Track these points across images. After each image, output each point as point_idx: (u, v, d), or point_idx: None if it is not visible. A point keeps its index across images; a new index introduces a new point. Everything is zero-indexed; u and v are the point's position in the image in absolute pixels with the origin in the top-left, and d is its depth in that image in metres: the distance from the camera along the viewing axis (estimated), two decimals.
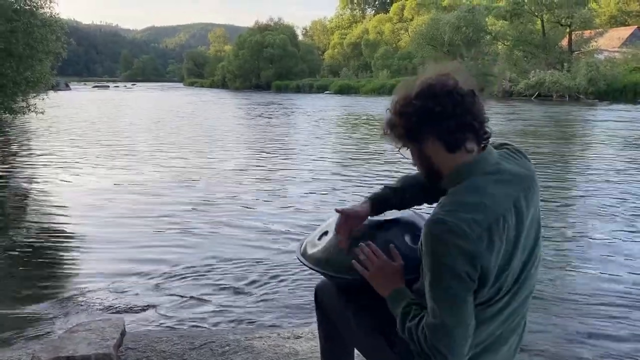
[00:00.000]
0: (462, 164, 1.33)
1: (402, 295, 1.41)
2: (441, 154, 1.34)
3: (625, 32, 45.15)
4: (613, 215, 5.99)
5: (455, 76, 1.34)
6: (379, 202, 1.65)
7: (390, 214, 1.68)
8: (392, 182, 1.68)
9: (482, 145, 1.35)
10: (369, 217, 1.67)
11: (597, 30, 38.98)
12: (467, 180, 1.31)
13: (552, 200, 6.74)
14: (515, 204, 1.30)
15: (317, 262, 1.66)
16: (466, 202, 1.27)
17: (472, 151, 1.33)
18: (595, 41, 37.79)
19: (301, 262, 1.71)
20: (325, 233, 1.72)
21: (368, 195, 1.68)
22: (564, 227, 5.60)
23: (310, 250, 1.72)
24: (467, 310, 1.25)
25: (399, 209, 1.66)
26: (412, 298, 1.38)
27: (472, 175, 1.31)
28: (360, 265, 1.50)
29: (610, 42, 41.30)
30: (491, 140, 1.40)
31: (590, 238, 5.18)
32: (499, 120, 19.09)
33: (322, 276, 1.73)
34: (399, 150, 1.41)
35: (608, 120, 18.77)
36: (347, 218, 1.63)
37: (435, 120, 1.30)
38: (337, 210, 1.65)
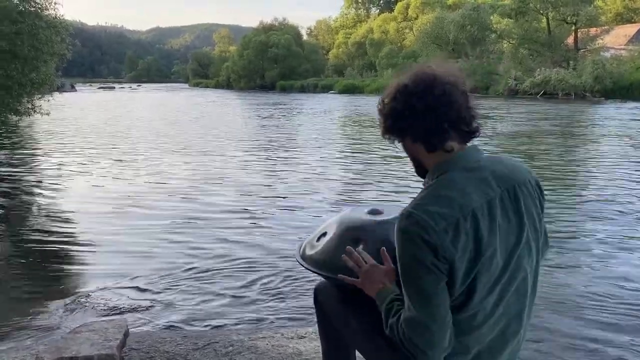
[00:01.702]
0: (442, 161, 1.33)
1: (388, 292, 1.41)
2: (421, 152, 1.36)
3: (631, 29, 44.85)
4: (621, 216, 5.96)
5: (435, 72, 1.32)
6: None
7: (390, 213, 1.67)
8: None
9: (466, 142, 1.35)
10: (368, 215, 1.67)
11: (603, 27, 38.76)
12: (443, 175, 1.31)
13: (559, 200, 6.70)
14: (490, 203, 1.28)
15: (316, 263, 1.66)
16: (436, 195, 1.27)
17: (452, 150, 1.32)
18: (602, 39, 37.58)
19: (300, 263, 1.70)
20: (324, 234, 1.72)
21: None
22: (569, 228, 5.56)
23: (308, 252, 1.71)
24: (440, 302, 1.24)
25: None
26: (398, 294, 1.36)
27: (449, 171, 1.31)
28: (348, 276, 1.50)
29: (617, 39, 41.06)
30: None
31: (596, 239, 5.15)
32: (507, 119, 19.02)
33: (321, 277, 1.72)
34: (393, 142, 1.42)
35: (617, 119, 18.66)
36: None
37: (407, 122, 1.32)
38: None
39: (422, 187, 1.38)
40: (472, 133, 1.35)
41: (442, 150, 1.32)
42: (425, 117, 1.29)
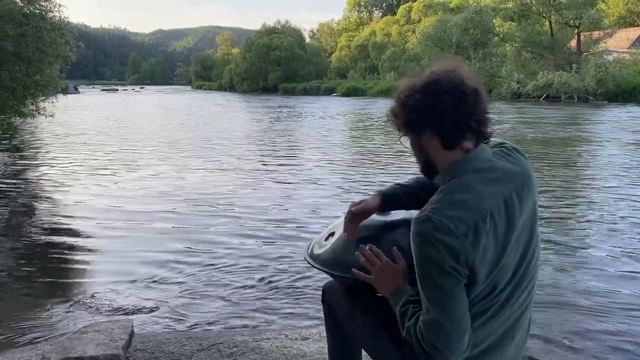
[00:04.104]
0: (455, 162, 1.34)
1: (402, 292, 1.42)
2: (438, 150, 1.35)
3: (634, 32, 44.81)
4: (621, 217, 5.96)
5: (462, 73, 1.34)
6: (389, 197, 1.66)
7: (397, 214, 1.68)
8: (404, 180, 1.69)
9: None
10: (376, 216, 1.68)
11: (606, 31, 38.71)
12: (457, 177, 1.32)
13: (560, 202, 6.70)
14: (506, 201, 1.30)
15: (324, 262, 1.67)
16: (453, 200, 1.27)
17: (469, 150, 1.33)
18: (604, 42, 37.53)
19: (308, 262, 1.72)
20: (332, 234, 1.73)
21: (379, 190, 1.69)
22: (570, 229, 5.57)
23: (317, 251, 1.73)
24: (459, 305, 1.25)
25: (408, 209, 1.66)
26: (412, 295, 1.37)
27: (462, 173, 1.32)
28: (361, 272, 1.50)
29: (619, 42, 41.02)
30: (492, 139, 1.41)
31: (597, 241, 5.15)
32: (509, 122, 19.01)
33: (329, 276, 1.73)
34: (399, 138, 1.43)
35: (620, 122, 18.64)
36: (355, 213, 1.64)
37: (435, 117, 1.31)
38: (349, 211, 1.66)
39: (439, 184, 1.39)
40: (489, 137, 1.37)
41: (458, 149, 1.33)
42: (453, 114, 1.30)
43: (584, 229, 5.57)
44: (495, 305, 1.31)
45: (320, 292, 1.83)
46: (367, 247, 1.52)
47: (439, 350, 1.26)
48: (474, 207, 1.26)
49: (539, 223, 1.41)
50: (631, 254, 4.72)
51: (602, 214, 6.08)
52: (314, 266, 1.69)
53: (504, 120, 19.24)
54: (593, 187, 7.83)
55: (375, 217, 1.70)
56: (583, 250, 4.88)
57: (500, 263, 1.28)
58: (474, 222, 1.24)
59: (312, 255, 1.73)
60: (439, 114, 1.31)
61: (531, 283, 1.38)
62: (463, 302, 1.26)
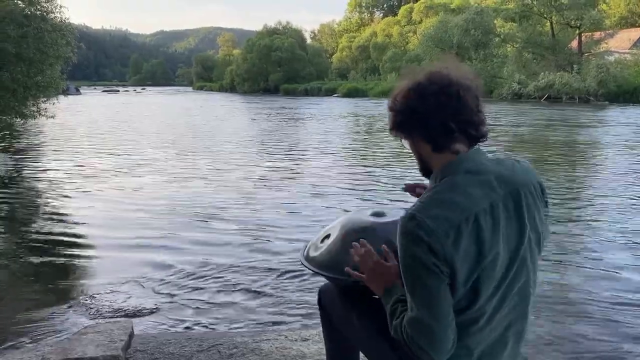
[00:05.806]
0: (447, 163, 1.34)
1: (392, 292, 1.41)
2: (428, 152, 1.37)
3: (635, 33, 44.76)
4: (623, 219, 5.95)
5: (450, 74, 1.33)
6: None
7: (394, 215, 1.69)
8: None
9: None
10: (372, 217, 1.68)
11: (607, 31, 38.67)
12: (447, 177, 1.32)
13: (563, 203, 6.69)
14: (493, 206, 1.29)
15: (320, 265, 1.67)
16: (440, 198, 1.28)
17: (460, 152, 1.33)
18: (606, 42, 37.49)
19: (304, 265, 1.72)
20: (328, 236, 1.73)
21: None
22: (572, 231, 5.56)
23: (312, 254, 1.73)
24: (442, 303, 1.25)
25: None
26: (403, 294, 1.36)
27: (453, 173, 1.32)
28: (355, 271, 1.51)
29: (621, 43, 40.97)
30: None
31: (599, 241, 5.15)
32: (511, 123, 18.98)
33: (325, 279, 1.73)
34: (399, 139, 1.43)
35: (622, 123, 18.60)
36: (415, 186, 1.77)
37: (420, 120, 1.32)
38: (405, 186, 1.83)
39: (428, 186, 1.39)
40: (480, 138, 1.36)
41: (448, 151, 1.33)
42: (436, 117, 1.30)
43: (581, 227, 5.57)
44: (486, 312, 1.30)
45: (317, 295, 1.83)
46: (360, 245, 1.52)
47: (424, 349, 1.26)
48: (459, 207, 1.25)
49: (540, 233, 1.38)
50: (630, 251, 4.72)
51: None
52: (309, 269, 1.70)
53: (521, 123, 19.11)
54: (586, 187, 7.83)
55: (370, 219, 1.70)
56: (581, 249, 4.88)
57: (480, 266, 1.27)
58: (458, 223, 1.23)
59: (308, 258, 1.73)
60: (422, 117, 1.31)
61: (524, 289, 1.36)
62: (446, 301, 1.25)
